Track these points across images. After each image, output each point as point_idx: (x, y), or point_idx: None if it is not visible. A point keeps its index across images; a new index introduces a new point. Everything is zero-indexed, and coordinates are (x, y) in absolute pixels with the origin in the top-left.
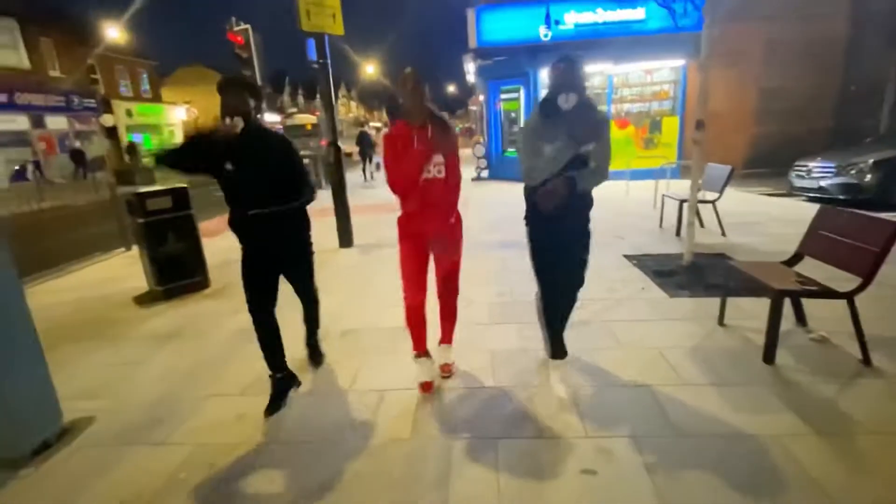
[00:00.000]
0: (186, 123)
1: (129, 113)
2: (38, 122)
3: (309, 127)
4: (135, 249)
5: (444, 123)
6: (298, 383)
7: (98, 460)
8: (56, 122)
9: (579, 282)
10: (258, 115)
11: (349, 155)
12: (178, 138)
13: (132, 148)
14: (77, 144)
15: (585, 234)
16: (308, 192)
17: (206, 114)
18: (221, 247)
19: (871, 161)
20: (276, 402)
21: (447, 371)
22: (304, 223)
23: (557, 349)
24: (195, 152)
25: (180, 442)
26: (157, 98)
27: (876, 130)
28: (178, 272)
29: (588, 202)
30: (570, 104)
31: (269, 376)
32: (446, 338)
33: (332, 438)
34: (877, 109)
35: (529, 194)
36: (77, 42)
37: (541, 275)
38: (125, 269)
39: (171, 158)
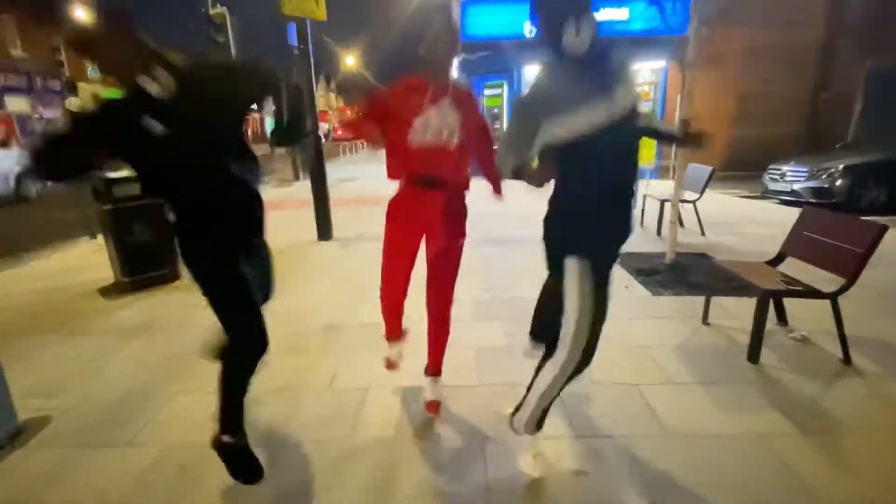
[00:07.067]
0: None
1: (96, 97)
2: None
3: None
4: (100, 238)
5: (466, 91)
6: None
7: (55, 463)
8: (16, 104)
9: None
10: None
11: None
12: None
13: None
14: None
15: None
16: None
17: None
18: None
19: (841, 166)
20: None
21: (434, 411)
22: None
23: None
24: (90, 141)
25: (147, 442)
26: None
27: (847, 137)
28: (146, 263)
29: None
30: (584, 43)
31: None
32: (433, 364)
33: (313, 438)
34: (848, 116)
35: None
36: (41, 20)
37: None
38: (90, 258)
39: (51, 161)
